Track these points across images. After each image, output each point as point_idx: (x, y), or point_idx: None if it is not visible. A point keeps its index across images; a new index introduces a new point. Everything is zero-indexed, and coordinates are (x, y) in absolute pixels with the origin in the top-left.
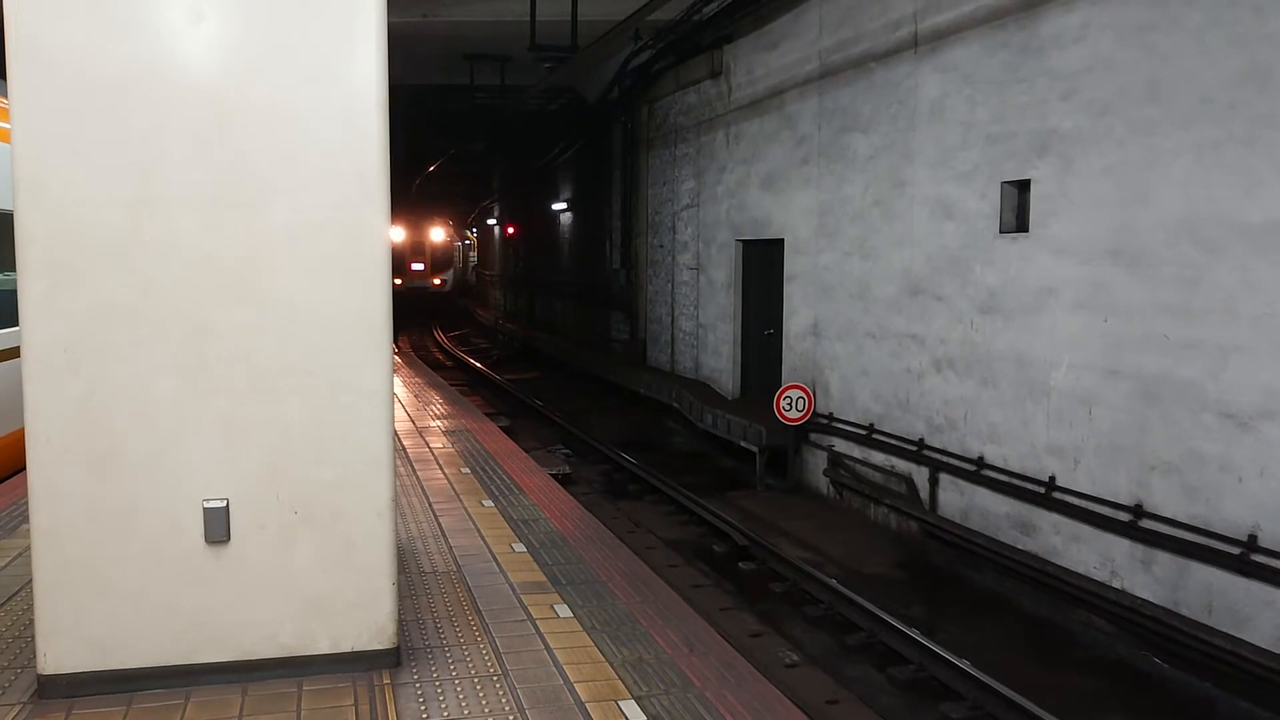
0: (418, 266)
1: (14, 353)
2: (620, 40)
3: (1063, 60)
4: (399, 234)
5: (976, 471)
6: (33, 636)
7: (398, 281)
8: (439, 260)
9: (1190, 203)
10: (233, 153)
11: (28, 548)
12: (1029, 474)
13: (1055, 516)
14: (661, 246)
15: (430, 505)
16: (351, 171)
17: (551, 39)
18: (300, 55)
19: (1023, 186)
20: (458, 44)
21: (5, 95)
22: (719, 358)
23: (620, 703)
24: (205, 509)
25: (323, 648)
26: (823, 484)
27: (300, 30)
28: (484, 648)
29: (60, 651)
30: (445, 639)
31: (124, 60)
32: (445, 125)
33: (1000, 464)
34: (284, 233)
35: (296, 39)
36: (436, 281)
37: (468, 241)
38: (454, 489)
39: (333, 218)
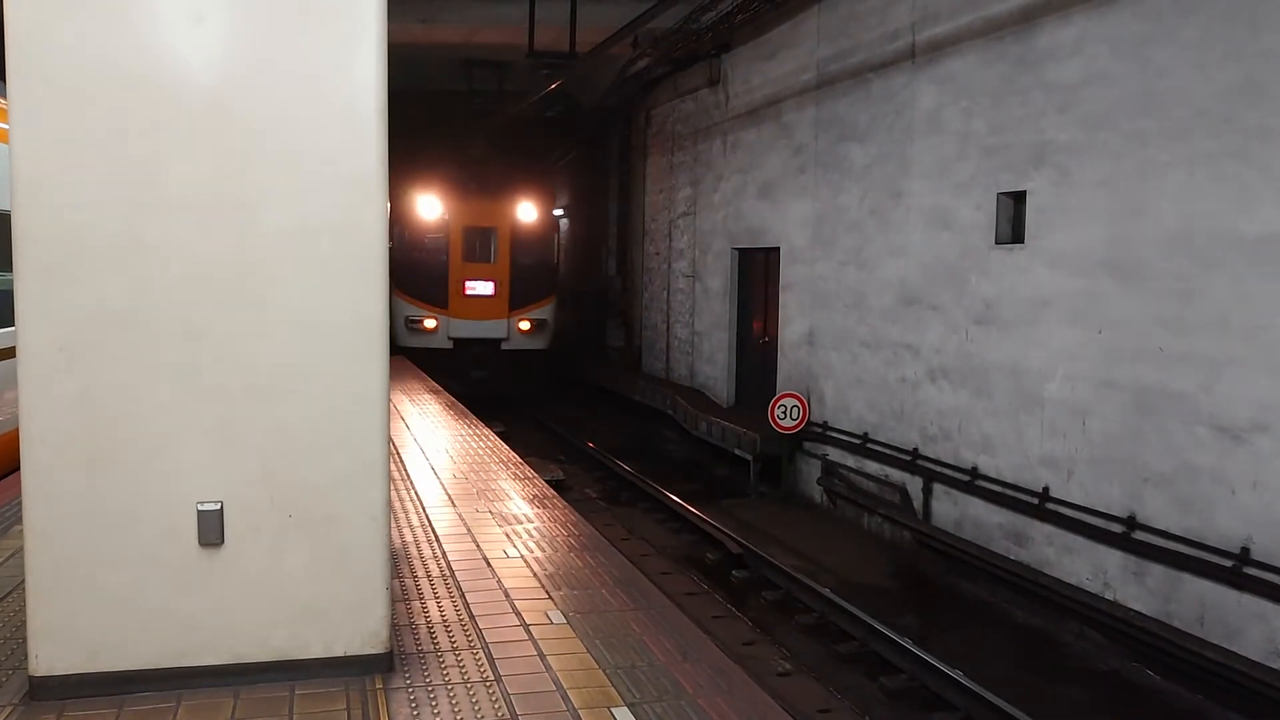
0: (478, 288)
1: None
2: (618, 48)
3: (1059, 73)
4: (429, 207)
5: (970, 482)
6: (25, 638)
7: (430, 322)
8: (528, 274)
9: (1185, 216)
10: (231, 156)
11: (20, 549)
12: (1022, 485)
13: (1048, 527)
14: (657, 254)
15: (424, 510)
16: (350, 176)
17: (550, 46)
18: (300, 59)
19: (1018, 198)
20: (456, 50)
21: (4, 96)
22: (714, 365)
23: (613, 709)
24: (199, 512)
25: (315, 652)
26: (816, 493)
27: (300, 34)
28: (477, 653)
29: (52, 653)
30: (438, 644)
31: (123, 61)
32: (442, 130)
33: (994, 474)
34: (281, 237)
35: (296, 42)
36: (524, 326)
37: None
38: (448, 494)
39: (330, 222)
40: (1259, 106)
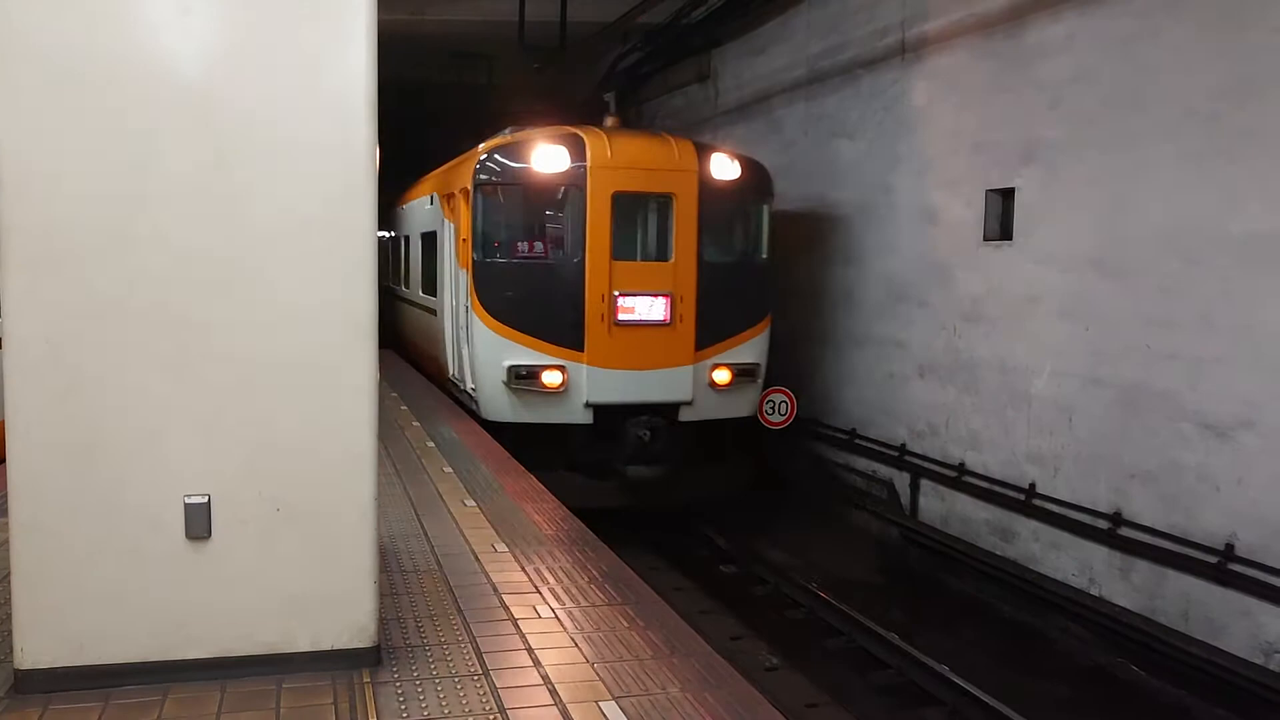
0: (641, 309)
1: None
2: (609, 42)
3: (1048, 70)
4: (547, 160)
5: (957, 478)
6: (10, 631)
7: (552, 376)
8: (729, 281)
9: (1172, 214)
10: (219, 147)
11: (6, 541)
12: (1009, 481)
13: (1035, 523)
14: None
15: (412, 504)
16: (339, 168)
17: (540, 39)
18: (289, 50)
19: (1007, 194)
20: (445, 42)
21: None
22: None
23: (601, 703)
24: (186, 504)
25: (303, 645)
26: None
27: (290, 24)
28: (465, 647)
29: (38, 646)
30: (426, 638)
31: (110, 52)
32: (431, 123)
33: (981, 470)
34: (270, 228)
35: (286, 33)
36: (721, 378)
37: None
38: (436, 488)
39: (319, 214)
40: (1247, 105)
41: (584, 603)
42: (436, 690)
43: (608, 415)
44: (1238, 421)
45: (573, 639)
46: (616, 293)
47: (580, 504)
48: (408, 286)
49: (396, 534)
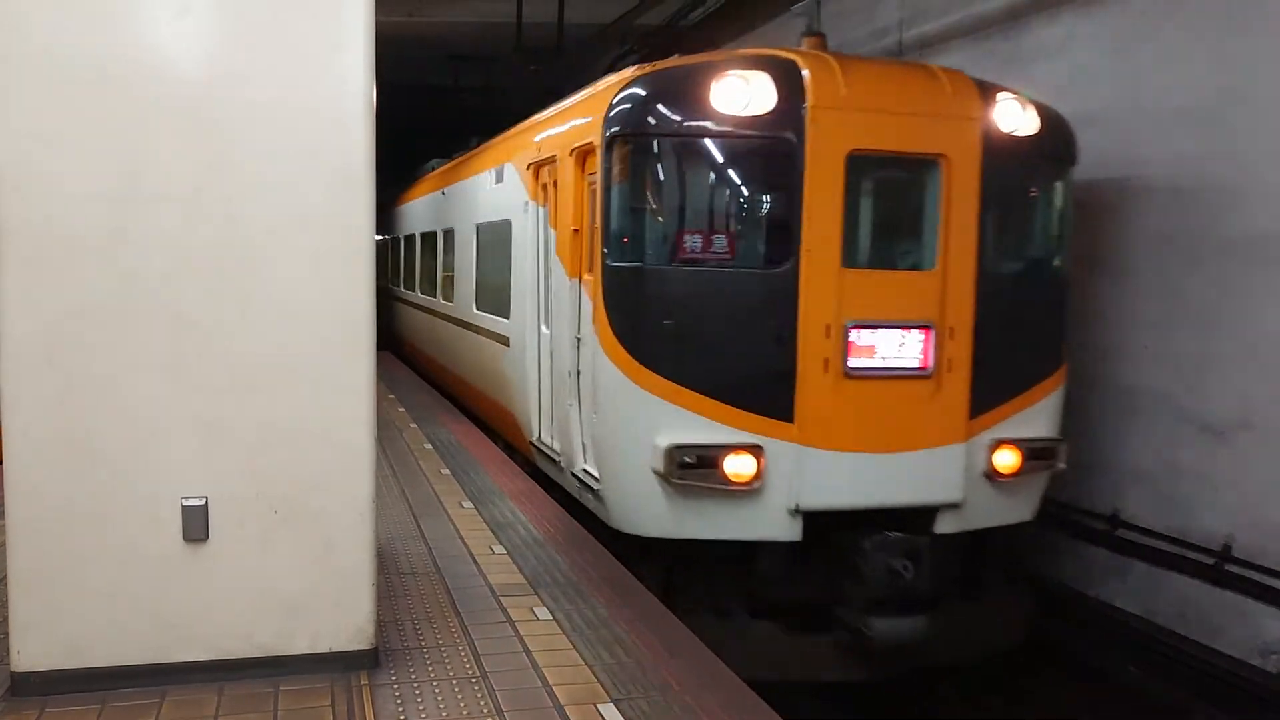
0: (886, 348)
1: None
2: (607, 44)
3: (1046, 71)
4: (733, 98)
5: None
6: (7, 633)
7: (740, 464)
8: (1020, 302)
9: (1169, 215)
10: (216, 148)
11: (2, 543)
12: None
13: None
14: None
15: (410, 506)
16: (336, 169)
17: (537, 41)
18: (287, 50)
19: None
20: (442, 45)
21: None
22: None
23: (599, 706)
24: (184, 506)
25: (300, 648)
26: None
27: (287, 25)
28: (463, 649)
29: (34, 649)
30: (424, 640)
31: (107, 52)
32: (428, 126)
33: None
34: (266, 229)
35: (283, 34)
36: (1006, 461)
37: None
38: (434, 490)
39: (316, 215)
40: (1244, 105)
41: (582, 605)
42: (435, 693)
43: (825, 525)
44: (1236, 422)
45: (571, 641)
46: (849, 323)
47: (776, 674)
48: (449, 299)
49: (394, 536)
